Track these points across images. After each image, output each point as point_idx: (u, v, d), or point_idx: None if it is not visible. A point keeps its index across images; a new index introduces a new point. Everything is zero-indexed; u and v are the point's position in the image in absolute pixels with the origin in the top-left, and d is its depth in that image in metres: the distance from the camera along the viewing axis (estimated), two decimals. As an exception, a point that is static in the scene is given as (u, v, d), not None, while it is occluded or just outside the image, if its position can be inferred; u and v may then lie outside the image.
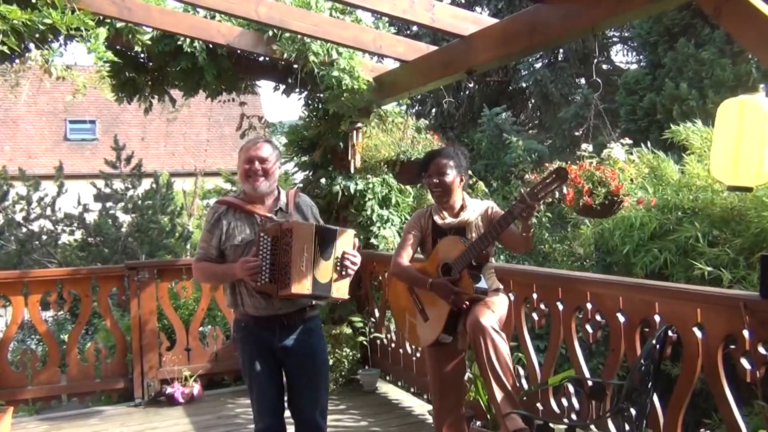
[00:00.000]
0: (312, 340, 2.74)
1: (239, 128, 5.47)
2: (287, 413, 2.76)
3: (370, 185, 5.08)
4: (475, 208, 2.99)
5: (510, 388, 2.68)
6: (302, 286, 2.48)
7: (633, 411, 2.34)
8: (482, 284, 2.82)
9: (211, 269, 2.69)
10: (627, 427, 2.36)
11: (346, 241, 2.62)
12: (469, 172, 3.20)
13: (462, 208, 2.98)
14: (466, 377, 3.34)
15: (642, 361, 2.41)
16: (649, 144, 5.79)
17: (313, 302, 2.71)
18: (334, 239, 2.57)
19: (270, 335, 2.66)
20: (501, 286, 3.02)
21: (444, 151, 3.05)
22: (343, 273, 2.59)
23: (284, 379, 2.76)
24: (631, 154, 2.88)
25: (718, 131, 2.40)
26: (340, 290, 2.59)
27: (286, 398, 2.78)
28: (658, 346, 2.43)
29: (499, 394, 2.67)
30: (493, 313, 2.77)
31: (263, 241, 2.54)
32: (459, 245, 2.83)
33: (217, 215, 2.67)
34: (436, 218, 2.99)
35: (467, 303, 2.80)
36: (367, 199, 5.07)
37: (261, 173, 2.62)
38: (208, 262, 2.69)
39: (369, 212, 5.06)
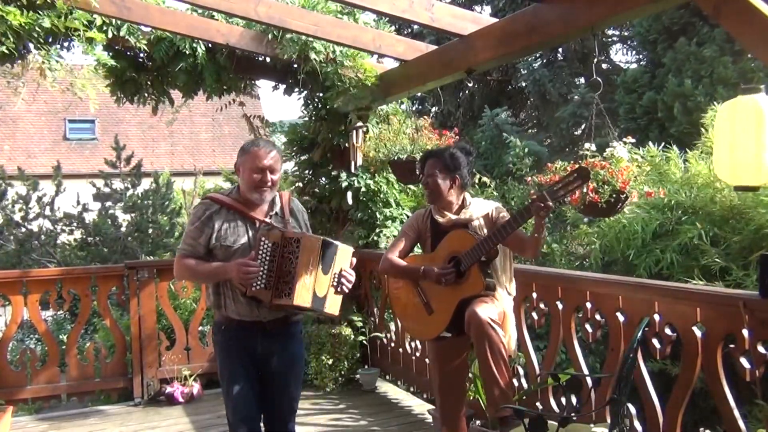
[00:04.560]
0: (293, 348, 2.72)
1: (250, 131, 5.47)
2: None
3: (379, 184, 5.08)
4: (478, 207, 2.98)
5: (501, 382, 2.70)
6: (303, 299, 2.46)
7: (623, 402, 2.37)
8: (491, 280, 2.84)
9: (200, 268, 2.58)
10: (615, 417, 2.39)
11: (345, 258, 2.59)
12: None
13: (462, 206, 2.98)
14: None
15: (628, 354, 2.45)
16: (650, 142, 5.79)
17: (298, 312, 2.67)
18: (335, 254, 2.55)
19: (251, 341, 2.62)
20: (508, 289, 3.00)
21: (436, 152, 3.07)
22: (338, 290, 2.57)
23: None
24: (638, 149, 2.87)
25: (718, 133, 2.41)
26: (333, 306, 2.57)
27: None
28: (638, 337, 2.46)
29: (489, 385, 2.73)
30: (492, 306, 2.78)
31: (263, 246, 2.49)
32: (469, 238, 2.83)
33: (208, 213, 2.59)
34: (437, 217, 2.99)
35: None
36: (378, 198, 5.07)
37: (270, 184, 2.58)
38: (194, 259, 2.61)
39: (377, 211, 5.07)
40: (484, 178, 7.99)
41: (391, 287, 3.23)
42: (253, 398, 2.63)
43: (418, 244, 3.16)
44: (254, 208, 2.63)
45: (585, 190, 2.74)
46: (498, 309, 2.82)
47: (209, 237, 2.58)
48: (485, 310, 2.72)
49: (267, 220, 2.63)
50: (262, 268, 2.46)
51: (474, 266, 2.80)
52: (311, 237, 2.57)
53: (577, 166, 2.68)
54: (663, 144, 5.73)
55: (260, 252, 2.48)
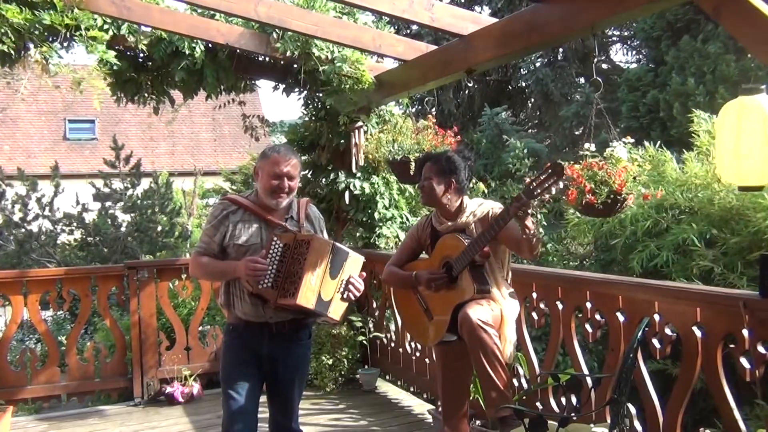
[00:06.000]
0: (299, 351, 2.73)
1: (246, 130, 5.48)
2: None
3: (377, 185, 5.07)
4: (474, 210, 2.96)
5: (498, 383, 2.68)
6: (307, 300, 2.45)
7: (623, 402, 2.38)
8: (483, 283, 2.81)
9: (211, 265, 2.65)
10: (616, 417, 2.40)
11: (355, 266, 2.61)
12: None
13: (460, 211, 2.96)
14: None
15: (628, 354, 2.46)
16: (650, 141, 5.78)
17: (304, 316, 2.67)
18: (344, 261, 2.56)
19: (257, 341, 2.64)
20: (512, 290, 2.98)
21: (433, 156, 3.07)
22: (344, 296, 2.57)
23: (263, 385, 2.73)
24: (637, 150, 2.85)
25: (721, 133, 2.40)
26: (336, 312, 2.57)
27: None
28: (638, 337, 2.46)
29: (486, 387, 2.71)
30: (486, 308, 2.76)
31: (275, 246, 2.51)
32: (459, 243, 2.82)
33: (225, 213, 2.64)
34: (435, 224, 3.00)
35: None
36: (377, 199, 5.06)
37: (287, 190, 2.61)
38: (208, 257, 2.66)
39: (375, 212, 5.06)
40: (490, 182, 8.01)
41: (394, 294, 3.26)
42: (251, 402, 2.63)
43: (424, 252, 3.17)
44: (271, 211, 2.66)
45: (583, 190, 2.73)
46: (492, 311, 2.79)
47: (223, 236, 2.63)
48: (476, 312, 2.70)
49: (281, 223, 2.64)
50: (270, 268, 2.49)
51: (465, 270, 2.79)
52: (322, 240, 2.59)
53: (550, 163, 2.66)
54: (661, 143, 5.73)
55: (271, 252, 2.51)
